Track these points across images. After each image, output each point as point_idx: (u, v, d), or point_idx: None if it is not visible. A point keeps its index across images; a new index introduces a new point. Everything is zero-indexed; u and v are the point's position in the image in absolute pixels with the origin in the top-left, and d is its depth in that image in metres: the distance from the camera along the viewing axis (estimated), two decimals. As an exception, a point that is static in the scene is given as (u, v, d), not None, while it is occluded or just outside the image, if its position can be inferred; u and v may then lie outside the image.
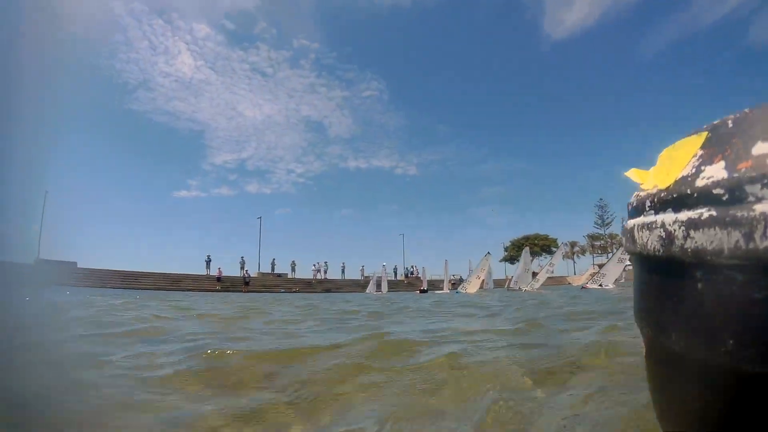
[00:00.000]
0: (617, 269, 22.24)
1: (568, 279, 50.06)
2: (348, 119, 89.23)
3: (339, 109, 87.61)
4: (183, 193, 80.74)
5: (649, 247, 0.55)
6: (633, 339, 2.41)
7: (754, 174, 0.44)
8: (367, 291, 32.56)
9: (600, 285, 20.77)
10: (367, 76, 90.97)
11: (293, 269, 38.57)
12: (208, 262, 33.61)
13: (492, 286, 30.23)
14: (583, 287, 20.98)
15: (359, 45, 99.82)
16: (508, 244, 63.81)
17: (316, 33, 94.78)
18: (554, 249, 71.25)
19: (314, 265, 38.82)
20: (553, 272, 27.66)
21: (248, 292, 28.27)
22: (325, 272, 39.30)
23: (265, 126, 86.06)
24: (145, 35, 72.13)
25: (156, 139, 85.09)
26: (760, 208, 0.42)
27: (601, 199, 71.52)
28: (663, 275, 0.54)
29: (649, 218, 0.56)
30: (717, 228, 0.45)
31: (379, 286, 32.35)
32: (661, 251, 0.52)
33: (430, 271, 38.54)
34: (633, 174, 0.66)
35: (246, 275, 33.23)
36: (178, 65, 75.60)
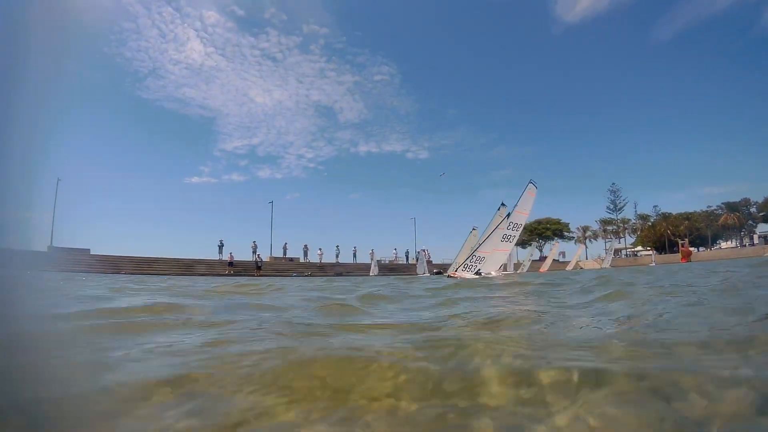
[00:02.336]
0: (503, 251, 14.94)
1: (580, 263, 49.55)
2: (359, 104, 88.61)
3: (349, 93, 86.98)
4: (195, 179, 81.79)
5: None
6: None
7: None
8: (371, 273, 33.22)
9: (478, 273, 14.12)
10: (378, 60, 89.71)
11: (306, 253, 39.03)
12: (221, 246, 34.15)
13: (510, 270, 25.41)
14: (449, 276, 14.84)
15: (370, 29, 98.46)
16: (519, 228, 63.02)
17: (326, 17, 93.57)
18: (566, 233, 70.98)
19: (319, 250, 39.37)
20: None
21: (261, 276, 28.63)
22: (337, 256, 39.72)
23: (275, 112, 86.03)
24: (154, 23, 72.05)
25: (167, 126, 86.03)
26: None
27: (613, 183, 70.60)
28: None
29: None
30: None
31: (379, 267, 35.33)
32: None
33: (442, 255, 38.95)
34: None
35: (258, 260, 33.69)
36: (188, 52, 75.78)
